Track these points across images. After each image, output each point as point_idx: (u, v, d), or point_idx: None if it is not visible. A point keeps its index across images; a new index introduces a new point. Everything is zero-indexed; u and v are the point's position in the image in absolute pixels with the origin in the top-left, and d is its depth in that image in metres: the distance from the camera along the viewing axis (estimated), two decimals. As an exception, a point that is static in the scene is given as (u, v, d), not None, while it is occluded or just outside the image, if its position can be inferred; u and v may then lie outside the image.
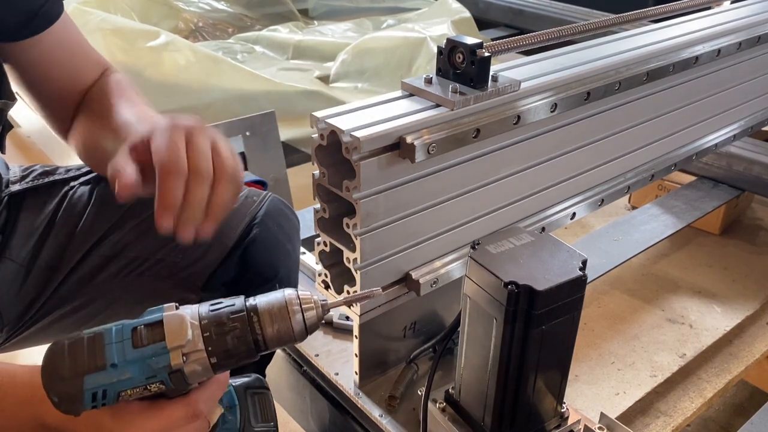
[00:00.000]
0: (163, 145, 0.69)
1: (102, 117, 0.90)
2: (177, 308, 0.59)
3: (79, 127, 0.96)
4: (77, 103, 0.97)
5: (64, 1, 0.95)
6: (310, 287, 1.19)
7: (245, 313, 0.58)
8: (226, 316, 0.58)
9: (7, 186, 1.01)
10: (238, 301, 0.59)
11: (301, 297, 0.60)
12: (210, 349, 0.57)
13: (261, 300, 0.59)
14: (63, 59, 0.95)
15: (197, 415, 0.59)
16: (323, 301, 0.61)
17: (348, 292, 0.86)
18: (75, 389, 0.56)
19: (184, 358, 0.56)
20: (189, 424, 0.59)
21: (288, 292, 0.60)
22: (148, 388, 0.57)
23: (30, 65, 0.93)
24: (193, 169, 0.68)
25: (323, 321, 0.61)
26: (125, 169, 0.68)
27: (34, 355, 1.10)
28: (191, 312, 0.58)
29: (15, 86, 0.96)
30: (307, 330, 0.59)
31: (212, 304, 0.59)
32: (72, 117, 0.97)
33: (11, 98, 0.93)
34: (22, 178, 1.03)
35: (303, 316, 0.59)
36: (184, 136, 0.69)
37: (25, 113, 2.40)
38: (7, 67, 0.93)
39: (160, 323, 0.57)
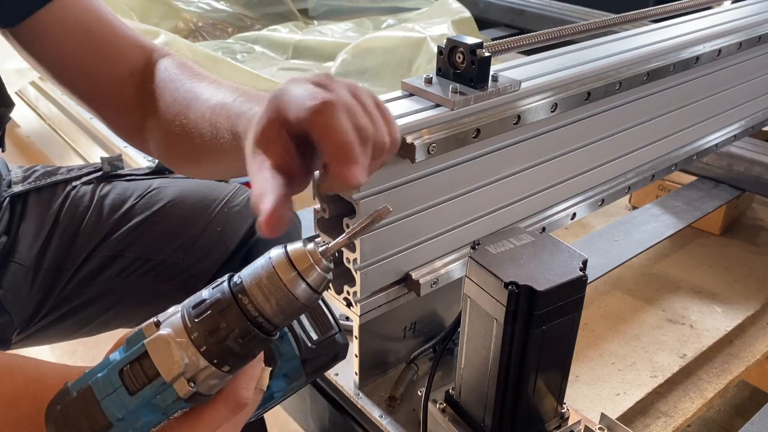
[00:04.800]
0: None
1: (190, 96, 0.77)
2: (157, 324, 0.50)
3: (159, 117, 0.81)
4: (135, 88, 0.83)
5: None
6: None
7: (234, 303, 0.49)
8: (215, 318, 0.48)
9: (9, 186, 1.01)
10: (222, 291, 0.49)
11: (291, 254, 0.49)
12: (216, 361, 0.49)
13: (245, 275, 0.49)
14: (87, 41, 0.82)
15: (241, 404, 0.53)
16: (323, 246, 0.50)
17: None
18: None
19: (192, 384, 0.48)
20: (237, 415, 0.53)
21: (274, 254, 0.49)
22: (171, 418, 0.50)
23: (51, 54, 0.82)
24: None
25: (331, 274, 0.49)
26: (266, 194, 0.52)
27: (35, 353, 1.10)
28: (175, 322, 0.49)
29: (59, 89, 0.86)
30: (315, 290, 0.49)
31: (195, 305, 0.50)
32: (137, 109, 0.84)
33: (9, 104, 0.90)
34: (24, 178, 1.03)
35: (301, 277, 0.48)
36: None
37: (25, 113, 2.40)
38: (35, 64, 0.83)
39: (146, 355, 0.49)
